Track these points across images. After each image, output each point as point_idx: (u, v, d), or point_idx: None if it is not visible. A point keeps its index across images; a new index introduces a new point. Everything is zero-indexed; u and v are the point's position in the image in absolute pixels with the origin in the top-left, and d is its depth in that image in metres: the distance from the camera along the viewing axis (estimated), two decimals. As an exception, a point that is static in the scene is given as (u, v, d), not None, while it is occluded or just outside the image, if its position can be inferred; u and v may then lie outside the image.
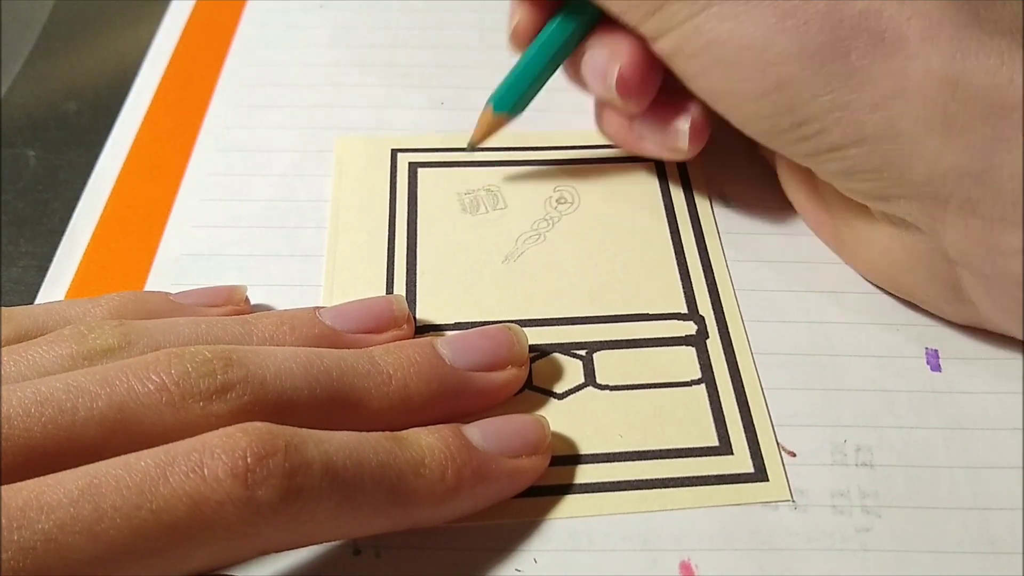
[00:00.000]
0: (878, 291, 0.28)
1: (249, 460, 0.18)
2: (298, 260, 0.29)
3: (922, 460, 0.24)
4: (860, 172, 0.24)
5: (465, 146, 0.31)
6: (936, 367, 0.26)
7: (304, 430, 0.20)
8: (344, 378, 0.22)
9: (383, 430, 0.21)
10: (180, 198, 0.31)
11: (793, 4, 0.23)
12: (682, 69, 0.26)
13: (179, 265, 0.29)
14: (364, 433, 0.21)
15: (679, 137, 0.28)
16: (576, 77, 0.29)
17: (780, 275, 0.29)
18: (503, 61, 0.30)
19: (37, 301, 0.28)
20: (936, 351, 0.27)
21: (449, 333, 0.26)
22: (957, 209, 0.23)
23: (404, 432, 0.22)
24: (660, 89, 0.28)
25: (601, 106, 0.31)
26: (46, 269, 0.29)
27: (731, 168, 0.31)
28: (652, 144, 0.29)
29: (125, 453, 0.19)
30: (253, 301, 0.28)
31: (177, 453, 0.18)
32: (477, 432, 0.22)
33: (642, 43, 0.27)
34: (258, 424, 0.19)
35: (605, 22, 0.28)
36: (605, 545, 0.22)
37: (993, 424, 0.25)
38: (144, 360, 0.20)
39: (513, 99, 0.29)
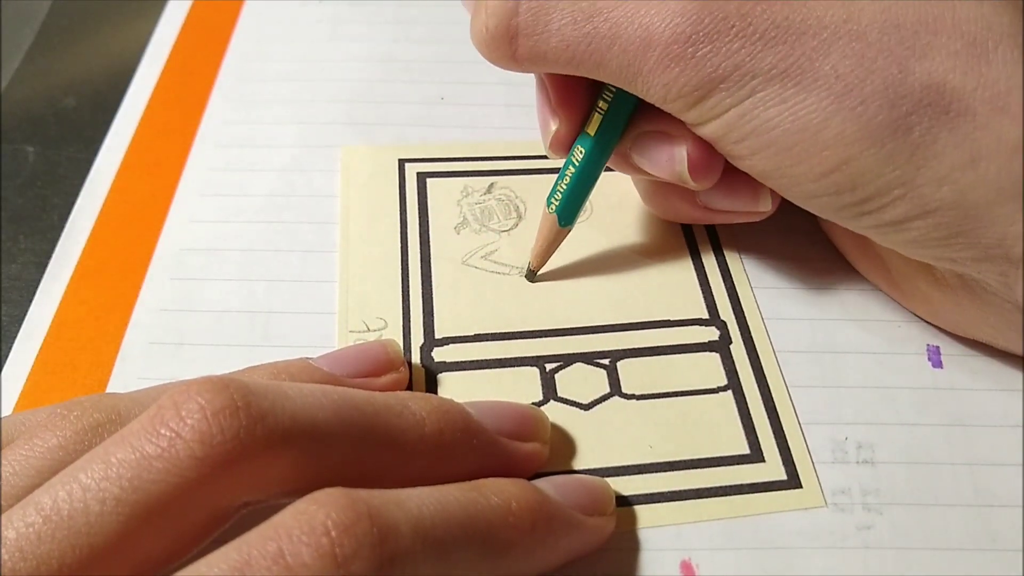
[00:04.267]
0: (878, 288, 0.28)
1: (334, 534, 0.16)
2: (298, 255, 0.29)
3: (923, 457, 0.24)
4: (925, 241, 0.24)
5: (525, 272, 0.29)
6: (938, 364, 0.26)
7: (378, 490, 0.18)
8: (378, 416, 0.20)
9: (418, 476, 0.20)
10: (179, 194, 0.31)
11: (847, 84, 0.22)
12: (729, 152, 0.25)
13: (178, 260, 0.29)
14: (441, 486, 0.19)
15: (761, 200, 0.27)
16: (623, 165, 0.27)
17: (779, 274, 0.29)
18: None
19: (36, 298, 0.28)
20: (937, 348, 0.27)
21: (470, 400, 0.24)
22: None
23: (483, 480, 0.20)
24: None
25: (654, 189, 0.29)
26: (45, 265, 0.29)
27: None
28: (724, 213, 0.28)
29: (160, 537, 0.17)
30: (252, 299, 0.27)
31: (252, 546, 0.16)
32: (549, 486, 0.21)
33: None
34: (329, 491, 0.17)
35: (644, 105, 0.26)
36: (605, 544, 0.22)
37: (994, 421, 0.25)
38: (146, 416, 0.18)
39: (575, 211, 0.28)
